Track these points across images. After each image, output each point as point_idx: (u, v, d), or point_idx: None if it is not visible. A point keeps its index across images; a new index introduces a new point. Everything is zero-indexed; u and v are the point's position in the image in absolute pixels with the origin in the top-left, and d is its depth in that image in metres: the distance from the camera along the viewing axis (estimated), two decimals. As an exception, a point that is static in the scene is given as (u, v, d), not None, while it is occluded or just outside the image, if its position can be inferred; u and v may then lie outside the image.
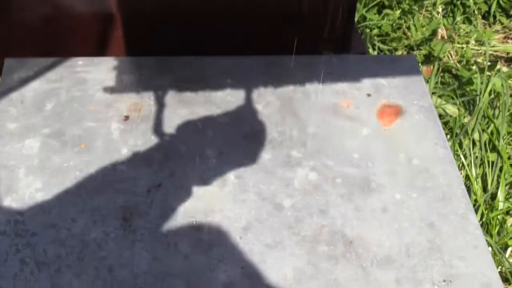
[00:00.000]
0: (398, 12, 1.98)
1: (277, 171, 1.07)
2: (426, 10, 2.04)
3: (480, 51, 1.95)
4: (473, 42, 1.98)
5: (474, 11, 2.07)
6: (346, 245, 0.98)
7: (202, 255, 0.95)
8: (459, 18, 2.03)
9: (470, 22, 2.06)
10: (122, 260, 0.93)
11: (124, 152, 1.07)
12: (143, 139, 1.09)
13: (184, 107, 1.15)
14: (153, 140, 1.09)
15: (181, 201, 1.01)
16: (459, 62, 1.87)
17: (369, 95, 1.20)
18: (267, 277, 0.93)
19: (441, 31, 1.98)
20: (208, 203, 1.01)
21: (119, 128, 1.10)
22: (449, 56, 1.90)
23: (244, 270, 0.94)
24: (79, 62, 1.20)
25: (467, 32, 2.02)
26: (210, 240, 0.97)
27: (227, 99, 1.17)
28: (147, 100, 1.15)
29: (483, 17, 2.11)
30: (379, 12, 1.97)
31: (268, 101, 1.17)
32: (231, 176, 1.05)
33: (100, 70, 1.19)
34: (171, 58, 1.23)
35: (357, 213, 1.02)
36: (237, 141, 1.10)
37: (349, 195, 1.04)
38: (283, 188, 1.04)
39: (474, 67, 1.80)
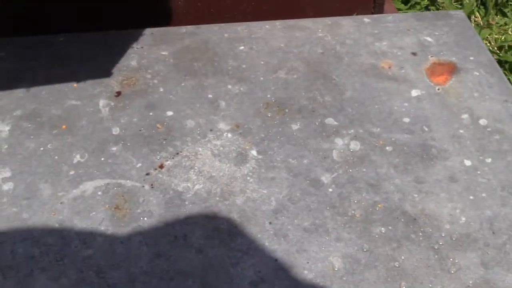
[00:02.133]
0: (425, 0, 1.77)
1: (309, 143, 0.84)
2: (456, 1, 1.83)
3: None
4: (510, 32, 1.76)
5: (507, 0, 1.86)
6: (409, 223, 0.74)
7: (220, 248, 0.71)
8: (492, 11, 1.82)
9: (503, 14, 1.85)
10: (115, 258, 0.70)
11: (116, 132, 0.85)
12: (140, 116, 0.87)
13: (189, 79, 0.93)
14: (152, 116, 0.87)
15: (190, 184, 0.78)
16: (500, 48, 1.66)
17: (414, 53, 0.98)
18: (309, 269, 0.69)
19: (476, 18, 1.77)
20: (226, 184, 0.78)
21: (109, 105, 0.88)
22: (489, 43, 1.68)
23: (278, 263, 0.70)
24: (60, 39, 0.99)
25: (500, 25, 1.80)
26: (230, 228, 0.73)
27: (241, 68, 0.95)
28: (143, 73, 0.94)
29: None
30: (406, 2, 1.76)
31: (292, 67, 0.95)
32: (252, 151, 0.83)
33: (85, 46, 0.98)
34: (168, 29, 1.02)
35: (417, 185, 0.79)
36: (257, 111, 0.88)
37: (404, 165, 0.81)
38: (319, 162, 0.81)
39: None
